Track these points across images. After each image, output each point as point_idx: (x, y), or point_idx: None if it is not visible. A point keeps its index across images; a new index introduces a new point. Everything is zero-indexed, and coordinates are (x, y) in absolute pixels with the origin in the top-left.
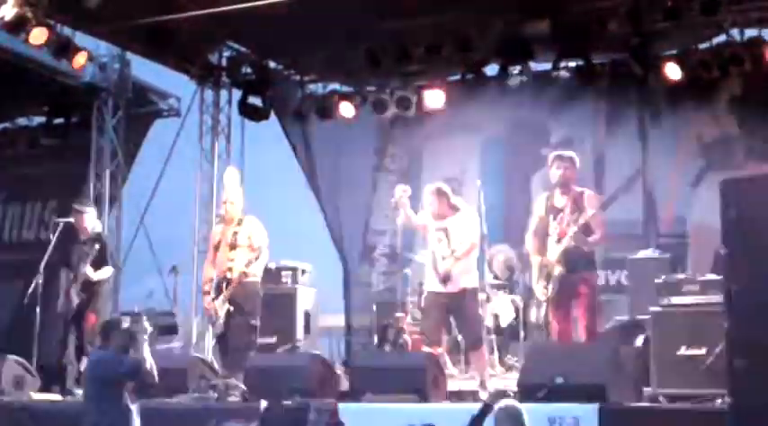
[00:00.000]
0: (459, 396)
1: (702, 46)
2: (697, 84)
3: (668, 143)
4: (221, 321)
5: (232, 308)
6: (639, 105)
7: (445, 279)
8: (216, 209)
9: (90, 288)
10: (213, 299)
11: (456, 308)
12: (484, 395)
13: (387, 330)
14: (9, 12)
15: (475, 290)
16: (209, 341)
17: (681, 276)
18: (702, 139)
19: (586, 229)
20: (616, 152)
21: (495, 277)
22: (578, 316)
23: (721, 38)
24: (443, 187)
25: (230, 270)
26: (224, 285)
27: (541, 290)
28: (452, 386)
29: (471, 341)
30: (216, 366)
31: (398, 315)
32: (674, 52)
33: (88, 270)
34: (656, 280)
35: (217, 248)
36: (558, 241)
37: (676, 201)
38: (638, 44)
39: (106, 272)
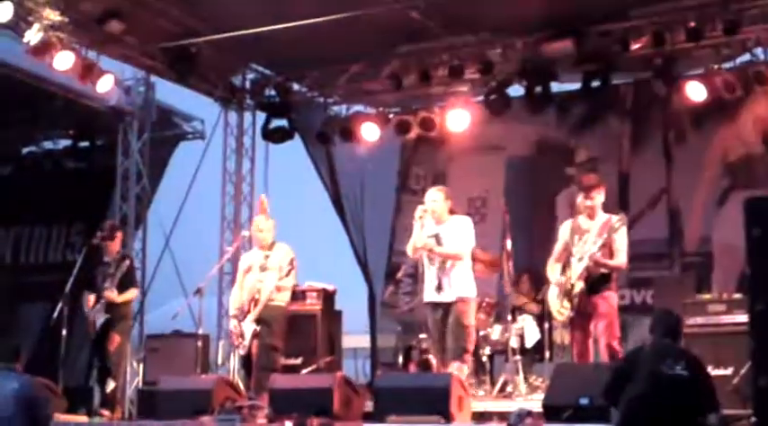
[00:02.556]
0: (483, 417)
1: (726, 65)
2: (721, 103)
3: (693, 162)
4: (247, 342)
5: (258, 328)
6: (664, 125)
7: (438, 288)
8: (240, 231)
9: (114, 309)
10: (240, 322)
11: (448, 316)
12: None
13: (411, 351)
14: (35, 37)
15: (468, 301)
16: (235, 363)
17: (706, 296)
18: (727, 158)
19: (609, 252)
20: (641, 171)
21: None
22: (599, 336)
23: (745, 57)
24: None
25: (259, 291)
26: (251, 306)
27: (558, 310)
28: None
29: (454, 352)
30: (241, 387)
31: (423, 336)
32: (698, 72)
33: (112, 292)
34: (682, 301)
35: (246, 272)
36: (581, 259)
37: (701, 220)
38: (661, 64)
39: (131, 294)
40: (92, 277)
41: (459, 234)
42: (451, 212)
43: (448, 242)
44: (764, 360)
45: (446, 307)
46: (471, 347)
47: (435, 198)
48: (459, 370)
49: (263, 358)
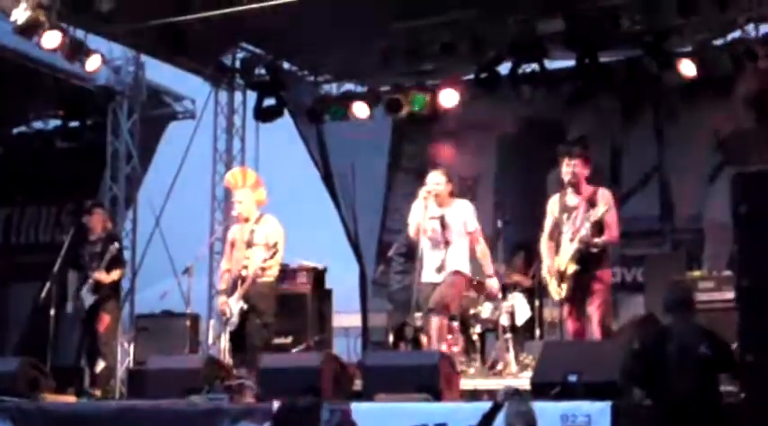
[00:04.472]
0: (473, 395)
1: (717, 42)
2: (712, 79)
3: (684, 139)
4: (235, 319)
5: (246, 307)
6: (655, 102)
7: (439, 269)
8: (230, 210)
9: (102, 289)
10: (228, 297)
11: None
12: None
13: (404, 328)
14: (22, 15)
15: (462, 274)
16: (224, 342)
17: (697, 273)
18: (719, 135)
19: (599, 228)
20: (632, 148)
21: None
22: (592, 314)
23: (736, 34)
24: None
25: (246, 268)
26: (239, 283)
27: (555, 289)
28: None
29: (434, 305)
30: (231, 365)
31: (417, 314)
32: (689, 49)
33: (101, 273)
34: (673, 278)
35: (233, 246)
36: (572, 240)
37: (693, 197)
38: (652, 41)
39: (118, 274)
40: (78, 256)
41: (465, 216)
42: (451, 194)
43: (453, 224)
44: (751, 337)
45: None
46: (455, 313)
47: (438, 180)
48: (440, 327)
49: (255, 336)
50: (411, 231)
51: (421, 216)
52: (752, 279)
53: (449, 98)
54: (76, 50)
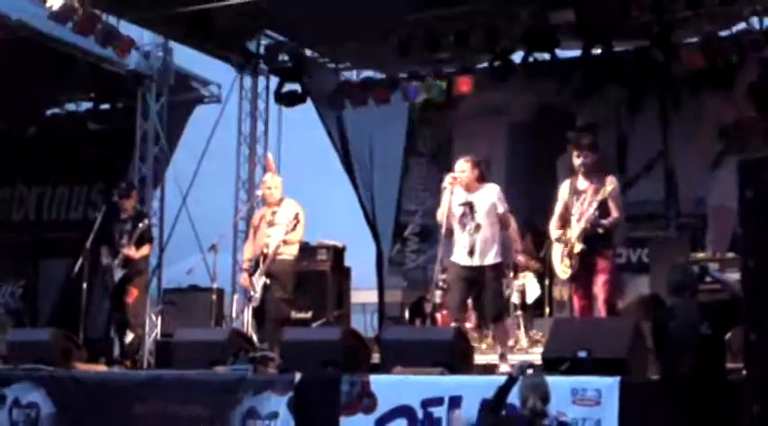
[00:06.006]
0: (486, 370)
1: (722, 33)
2: (717, 70)
3: (689, 127)
4: (258, 294)
5: (268, 281)
6: (661, 91)
7: (470, 253)
8: (254, 190)
9: (131, 264)
10: (251, 275)
11: (479, 283)
12: (504, 368)
13: (422, 303)
14: (57, 2)
15: (498, 266)
16: (248, 317)
17: (700, 255)
18: (721, 124)
19: (605, 210)
20: (638, 136)
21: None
22: (598, 292)
23: (741, 26)
24: (477, 160)
25: (267, 245)
26: (261, 260)
27: (563, 269)
28: (476, 360)
29: (492, 315)
30: (254, 338)
31: (437, 291)
32: (695, 40)
33: (130, 249)
34: (677, 259)
35: (257, 229)
36: (579, 220)
37: (696, 183)
38: (659, 32)
39: (147, 250)
40: (109, 232)
41: (493, 199)
42: (479, 179)
43: (482, 208)
44: (755, 316)
45: (476, 272)
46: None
47: (463, 168)
48: (500, 330)
49: (273, 310)
50: (438, 216)
51: (446, 202)
52: (757, 260)
53: (463, 85)
54: (109, 36)
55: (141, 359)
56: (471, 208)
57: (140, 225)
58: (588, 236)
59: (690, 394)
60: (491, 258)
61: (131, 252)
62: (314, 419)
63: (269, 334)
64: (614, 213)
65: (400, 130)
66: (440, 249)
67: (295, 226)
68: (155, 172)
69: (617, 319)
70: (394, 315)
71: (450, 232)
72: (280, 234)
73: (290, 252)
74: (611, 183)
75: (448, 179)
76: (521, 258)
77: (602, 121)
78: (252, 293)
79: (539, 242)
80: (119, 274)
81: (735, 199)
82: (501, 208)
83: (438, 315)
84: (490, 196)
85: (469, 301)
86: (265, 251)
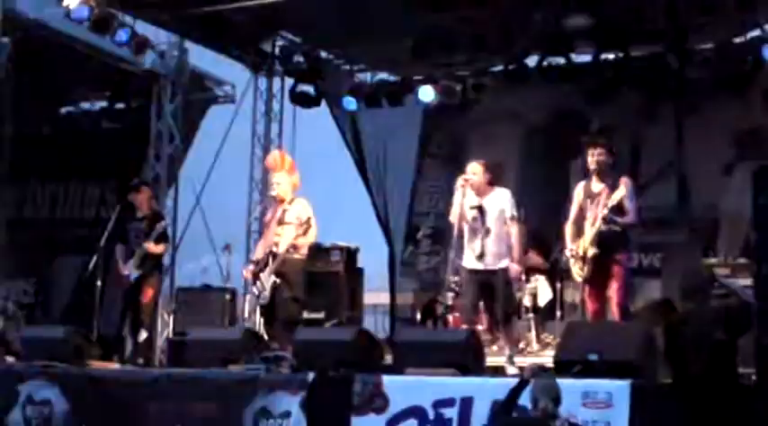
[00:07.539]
0: (497, 372)
1: (737, 40)
2: (731, 76)
3: (702, 133)
4: (267, 293)
5: (278, 281)
6: (676, 96)
7: (480, 257)
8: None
9: (146, 263)
10: (259, 271)
11: (490, 286)
12: (511, 370)
13: (434, 306)
14: (74, 1)
15: (510, 269)
16: (260, 316)
17: (712, 260)
18: (736, 130)
19: (619, 211)
20: (652, 140)
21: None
22: (611, 296)
23: (755, 32)
24: (490, 164)
25: (277, 245)
26: (270, 259)
27: (577, 272)
28: (487, 361)
29: (502, 318)
30: (266, 338)
31: (450, 294)
32: (710, 46)
33: (149, 243)
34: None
35: (268, 227)
36: (593, 223)
37: (709, 188)
38: (674, 38)
39: (163, 248)
40: (125, 231)
41: (503, 204)
42: (490, 183)
43: (492, 212)
44: (767, 320)
45: (487, 275)
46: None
47: (475, 171)
48: (509, 333)
49: (283, 310)
50: (451, 217)
51: (459, 203)
52: None
53: (477, 89)
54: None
55: (154, 358)
56: (482, 211)
57: (158, 225)
58: (603, 238)
59: (700, 398)
60: (501, 262)
61: (151, 246)
62: (326, 419)
63: (278, 334)
64: (630, 213)
65: (414, 132)
66: (451, 251)
67: (306, 230)
68: (169, 171)
69: (628, 323)
70: (405, 317)
71: (461, 233)
72: (290, 233)
73: (301, 254)
74: (624, 184)
75: (460, 180)
76: (516, 267)
77: (617, 126)
78: (259, 290)
79: (548, 246)
80: (135, 274)
81: (746, 206)
82: (509, 213)
83: (450, 317)
84: (501, 200)
85: (481, 304)
86: (274, 249)
